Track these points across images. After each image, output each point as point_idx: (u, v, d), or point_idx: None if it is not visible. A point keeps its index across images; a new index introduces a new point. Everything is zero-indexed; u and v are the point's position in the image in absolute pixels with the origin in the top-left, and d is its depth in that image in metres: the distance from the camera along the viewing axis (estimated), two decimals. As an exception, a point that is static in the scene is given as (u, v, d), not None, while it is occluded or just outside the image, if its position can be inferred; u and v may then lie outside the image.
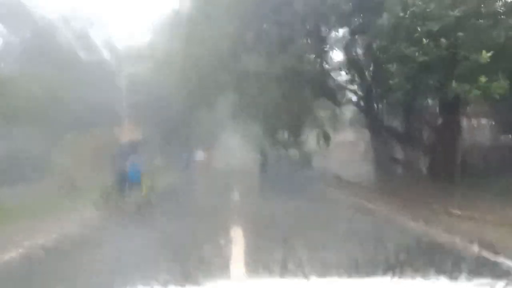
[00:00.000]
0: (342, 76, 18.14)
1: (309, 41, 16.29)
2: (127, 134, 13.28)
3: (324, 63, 17.22)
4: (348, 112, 23.79)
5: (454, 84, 7.91)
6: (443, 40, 8.13)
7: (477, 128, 16.51)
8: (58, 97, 19.29)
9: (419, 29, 8.36)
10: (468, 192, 10.49)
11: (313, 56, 16.93)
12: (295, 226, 6.15)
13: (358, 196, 10.69)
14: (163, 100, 24.53)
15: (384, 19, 9.01)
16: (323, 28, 15.55)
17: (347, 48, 15.45)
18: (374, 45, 10.22)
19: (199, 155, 31.74)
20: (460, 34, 8.00)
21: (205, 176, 22.38)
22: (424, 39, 8.20)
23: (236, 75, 21.18)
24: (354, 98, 18.04)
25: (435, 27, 8.08)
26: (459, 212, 8.09)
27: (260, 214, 8.15)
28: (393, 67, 9.15)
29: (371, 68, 14.95)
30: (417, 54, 8.31)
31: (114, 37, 22.40)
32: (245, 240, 5.89)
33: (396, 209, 8.19)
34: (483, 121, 16.68)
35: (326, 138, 20.38)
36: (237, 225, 7.37)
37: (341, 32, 15.46)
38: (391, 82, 10.02)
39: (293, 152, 30.05)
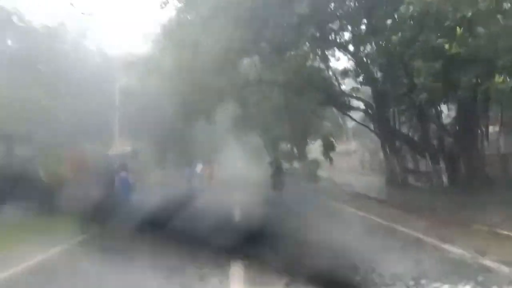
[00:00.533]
0: (349, 80, 16.88)
1: (313, 44, 14.99)
2: (117, 148, 11.87)
3: (330, 67, 15.99)
4: (355, 120, 22.32)
5: (497, 78, 6.51)
6: (480, 28, 6.82)
7: (497, 135, 15.17)
8: (45, 109, 17.99)
9: (450, 16, 7.05)
10: (503, 206, 9.05)
11: (317, 60, 15.69)
12: (313, 261, 4.68)
13: (378, 213, 9.15)
14: (159, 112, 23.22)
15: (407, 8, 7.66)
16: (328, 29, 14.27)
17: (356, 49, 14.16)
18: (393, 40, 8.89)
19: (201, 169, 30.21)
20: (501, 19, 6.68)
21: (206, 194, 20.91)
22: (457, 28, 6.86)
23: (236, 83, 19.88)
24: (362, 105, 16.68)
25: (469, 12, 6.76)
26: (510, 234, 6.64)
27: (264, 241, 6.75)
28: (418, 63, 7.79)
29: (382, 70, 13.59)
30: (448, 46, 6.98)
31: (108, 46, 21.22)
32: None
33: (430, 231, 6.70)
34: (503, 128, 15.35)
35: (331, 148, 18.96)
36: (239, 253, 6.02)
37: (349, 32, 14.20)
38: (416, 81, 8.68)
39: (297, 164, 28.66)
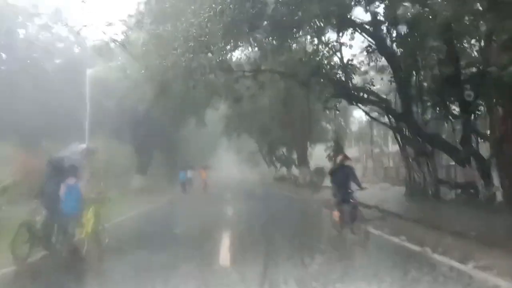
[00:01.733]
0: (363, 73, 14.17)
1: (321, 24, 12.17)
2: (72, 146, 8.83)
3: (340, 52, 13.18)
4: (373, 117, 19.59)
5: None
6: None
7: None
8: (5, 103, 15.15)
9: None
10: None
11: (326, 44, 12.94)
12: None
13: (413, 238, 6.32)
14: (143, 110, 20.36)
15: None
16: (342, 7, 11.47)
17: (376, 30, 11.41)
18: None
19: (193, 175, 27.37)
20: None
21: (197, 201, 17.95)
22: None
23: (228, 76, 17.05)
24: (379, 98, 13.84)
25: None
26: None
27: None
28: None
29: (409, 52, 10.83)
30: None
31: (81, 33, 18.36)
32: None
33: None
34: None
35: (337, 151, 16.04)
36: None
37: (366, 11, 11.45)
38: (462, 63, 6.08)
39: (297, 171, 25.90)
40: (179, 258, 5.76)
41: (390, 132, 31.18)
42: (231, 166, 75.61)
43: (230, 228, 8.82)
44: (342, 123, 29.72)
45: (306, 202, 14.82)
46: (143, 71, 13.29)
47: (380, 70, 14.49)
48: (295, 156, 29.73)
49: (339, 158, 7.62)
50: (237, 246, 6.85)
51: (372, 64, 13.05)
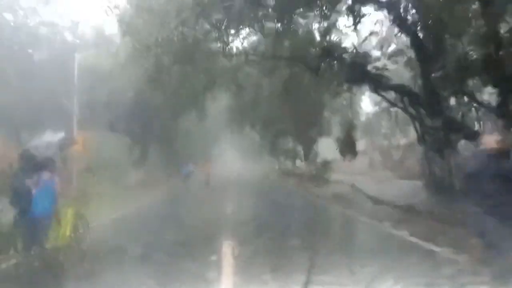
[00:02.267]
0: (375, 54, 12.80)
1: None
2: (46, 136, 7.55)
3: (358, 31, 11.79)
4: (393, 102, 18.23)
5: None
6: None
7: None
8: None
9: None
10: None
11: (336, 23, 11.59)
12: None
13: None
14: (139, 100, 19.13)
15: None
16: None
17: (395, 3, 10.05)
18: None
19: (194, 168, 26.30)
20: None
21: (197, 197, 16.77)
22: None
23: (228, 62, 15.73)
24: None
25: None
26: None
27: None
28: None
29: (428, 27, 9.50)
30: None
31: (69, 17, 16.99)
32: None
33: None
34: None
35: (350, 144, 14.80)
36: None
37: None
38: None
39: (303, 163, 24.64)
40: (171, 274, 4.56)
41: (399, 124, 29.94)
42: (233, 160, 74.14)
43: (233, 231, 7.60)
44: (350, 114, 28.37)
45: (316, 197, 13.62)
46: (132, 48, 11.99)
47: (395, 55, 13.21)
48: (299, 149, 28.49)
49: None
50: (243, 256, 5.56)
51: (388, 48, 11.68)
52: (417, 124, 12.59)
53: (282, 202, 11.87)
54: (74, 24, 17.97)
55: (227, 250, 5.75)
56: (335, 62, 11.34)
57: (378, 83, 10.45)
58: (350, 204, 10.85)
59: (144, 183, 19.48)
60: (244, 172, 48.46)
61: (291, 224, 7.66)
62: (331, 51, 11.07)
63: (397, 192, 13.18)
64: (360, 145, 34.26)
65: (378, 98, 32.47)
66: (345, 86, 12.59)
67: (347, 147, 14.15)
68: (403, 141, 32.13)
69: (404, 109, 12.43)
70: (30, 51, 17.46)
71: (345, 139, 14.21)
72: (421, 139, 12.85)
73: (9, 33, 16.24)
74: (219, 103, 32.68)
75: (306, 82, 18.06)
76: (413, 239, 6.20)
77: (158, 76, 12.62)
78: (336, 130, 29.04)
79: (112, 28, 15.88)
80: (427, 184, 12.23)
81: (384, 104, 30.49)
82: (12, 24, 16.97)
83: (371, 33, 11.46)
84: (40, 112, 14.44)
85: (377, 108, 32.55)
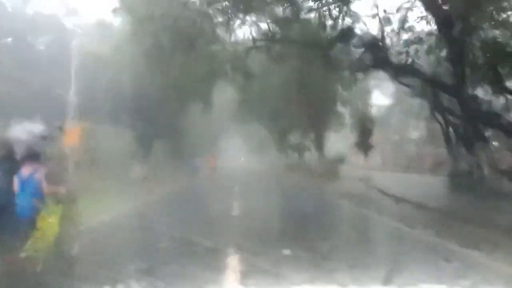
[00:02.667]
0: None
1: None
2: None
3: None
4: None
5: None
6: None
7: None
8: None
9: None
10: None
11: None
12: None
13: None
14: (143, 92, 18.21)
15: None
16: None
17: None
18: None
19: (200, 163, 25.61)
20: None
21: (202, 194, 15.94)
22: None
23: (234, 50, 14.69)
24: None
25: None
26: None
27: None
28: None
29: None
30: None
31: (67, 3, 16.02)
32: None
33: None
34: None
35: (366, 136, 13.54)
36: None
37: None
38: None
39: (313, 158, 23.54)
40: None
41: (413, 117, 28.68)
42: (240, 154, 73.06)
43: (239, 237, 6.62)
44: (360, 107, 27.19)
45: (331, 196, 12.58)
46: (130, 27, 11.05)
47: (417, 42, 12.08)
48: (308, 143, 27.41)
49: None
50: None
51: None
52: (440, 116, 11.54)
53: (293, 201, 10.88)
54: (73, 11, 17.09)
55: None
56: (351, 46, 10.27)
57: (399, 69, 9.35)
58: (369, 204, 9.85)
59: (147, 179, 18.61)
60: (252, 166, 47.46)
61: (307, 234, 6.56)
62: (347, 34, 9.99)
63: (418, 190, 12.15)
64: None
65: (392, 89, 31.28)
66: (360, 74, 11.51)
67: (363, 140, 13.08)
68: (414, 134, 30.92)
69: (427, 98, 11.36)
70: (28, 39, 16.64)
71: (361, 131, 13.12)
72: (445, 131, 11.82)
73: (6, 21, 15.42)
74: (226, 95, 31.75)
75: (318, 70, 17.02)
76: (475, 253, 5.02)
77: (158, 58, 11.63)
78: (347, 123, 27.95)
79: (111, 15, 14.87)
80: (453, 181, 11.20)
81: (399, 95, 29.30)
82: (10, 10, 16.17)
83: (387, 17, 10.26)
84: (35, 101, 13.62)
85: (389, 100, 31.40)
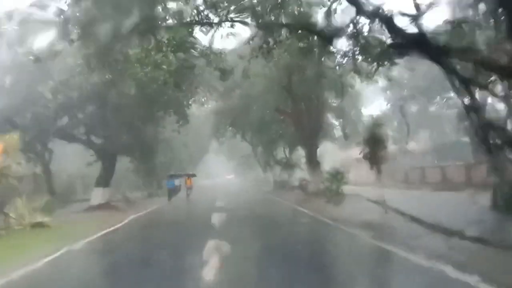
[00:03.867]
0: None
1: None
2: None
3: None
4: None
5: None
6: None
7: None
8: None
9: None
10: None
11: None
12: None
13: None
14: (104, 101, 14.99)
15: None
16: None
17: None
18: None
19: (180, 183, 22.91)
20: None
21: (172, 223, 12.71)
22: None
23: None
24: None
25: None
26: None
27: None
28: None
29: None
30: None
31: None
32: None
33: None
34: None
35: (382, 147, 10.57)
36: None
37: None
38: None
39: (307, 175, 20.30)
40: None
41: (411, 125, 26.25)
42: (221, 172, 68.65)
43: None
44: (353, 117, 24.81)
45: (344, 226, 9.59)
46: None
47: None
48: (295, 157, 24.72)
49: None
50: None
51: None
52: (475, 115, 8.91)
53: (289, 238, 7.85)
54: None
55: None
56: (368, 23, 7.58)
57: (439, 49, 6.64)
58: (401, 239, 6.95)
59: (106, 206, 15.32)
60: (234, 185, 43.59)
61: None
62: (360, 6, 7.34)
63: (447, 212, 9.46)
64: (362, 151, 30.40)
65: (388, 94, 28.67)
66: (377, 63, 8.79)
67: (377, 148, 10.27)
68: (411, 145, 28.25)
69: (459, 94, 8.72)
70: None
71: (372, 142, 10.33)
72: (478, 137, 9.24)
73: None
74: (204, 109, 28.82)
75: (309, 73, 14.41)
76: None
77: (106, 48, 8.68)
78: (338, 134, 25.38)
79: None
80: (496, 200, 8.55)
81: (397, 101, 26.73)
82: None
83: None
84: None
85: (385, 107, 28.99)
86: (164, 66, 11.67)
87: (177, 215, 13.91)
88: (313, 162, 17.17)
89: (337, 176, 13.66)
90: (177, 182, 21.64)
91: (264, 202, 18.06)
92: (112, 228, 10.43)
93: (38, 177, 17.27)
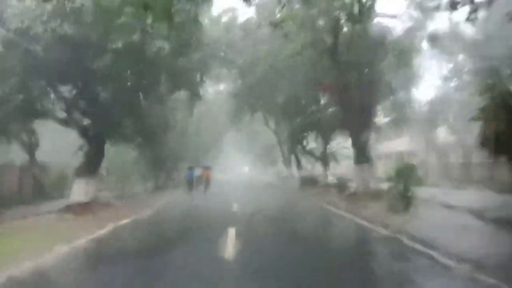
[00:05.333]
0: None
1: None
2: None
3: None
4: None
5: None
6: None
7: None
8: None
9: None
10: None
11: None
12: None
13: None
14: (96, 68, 11.13)
15: None
16: None
17: None
18: None
19: (200, 173, 19.79)
20: None
21: (172, 230, 8.85)
22: None
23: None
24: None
25: None
26: None
27: None
28: None
29: None
30: None
31: None
32: None
33: None
34: None
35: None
36: None
37: None
38: None
39: (353, 170, 15.90)
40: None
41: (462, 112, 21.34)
42: (238, 165, 63.40)
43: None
44: (401, 99, 20.07)
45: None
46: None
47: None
48: (329, 148, 20.43)
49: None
50: None
51: None
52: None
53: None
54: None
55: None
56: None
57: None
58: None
59: (93, 203, 11.62)
60: (254, 180, 38.32)
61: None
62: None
63: None
64: (404, 142, 25.93)
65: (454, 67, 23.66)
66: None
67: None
68: (451, 138, 23.62)
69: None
70: None
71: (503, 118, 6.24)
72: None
73: None
74: (222, 91, 24.97)
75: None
76: None
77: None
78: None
79: None
80: None
81: (452, 84, 21.99)
82: None
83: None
84: None
85: (437, 92, 24.20)
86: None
87: (185, 226, 10.00)
88: (362, 154, 12.99)
89: (408, 173, 9.46)
90: (197, 172, 18.82)
91: (290, 200, 14.06)
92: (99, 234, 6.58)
93: (15, 169, 14.06)
